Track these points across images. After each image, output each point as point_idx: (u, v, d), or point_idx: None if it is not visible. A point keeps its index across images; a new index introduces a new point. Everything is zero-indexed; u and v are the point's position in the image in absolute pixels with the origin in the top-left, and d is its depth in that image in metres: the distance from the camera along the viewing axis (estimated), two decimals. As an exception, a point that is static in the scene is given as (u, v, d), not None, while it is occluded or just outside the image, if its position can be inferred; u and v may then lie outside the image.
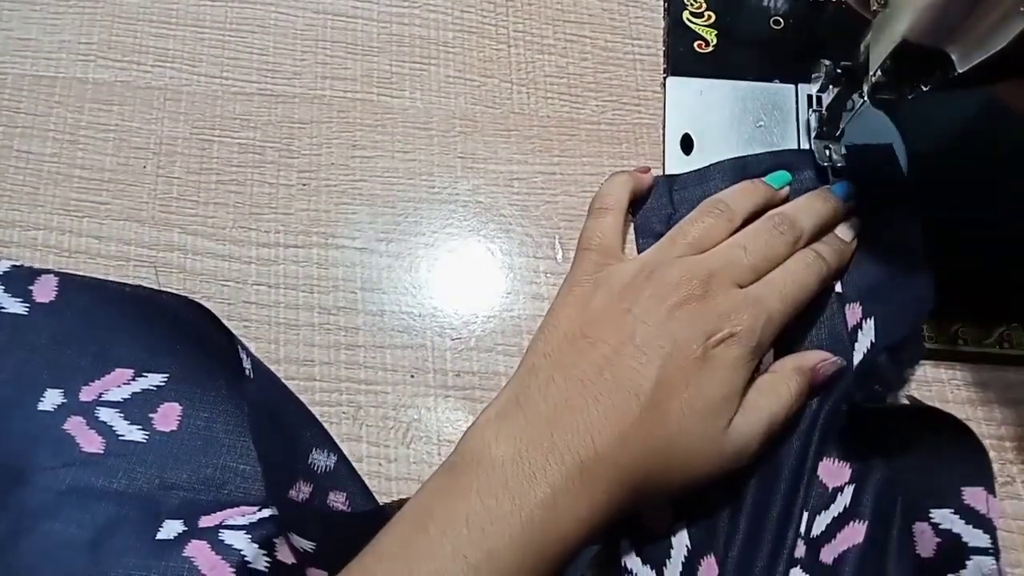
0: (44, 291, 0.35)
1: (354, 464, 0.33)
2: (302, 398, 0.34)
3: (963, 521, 0.31)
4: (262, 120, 0.40)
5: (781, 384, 0.32)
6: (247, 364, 0.31)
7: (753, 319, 0.31)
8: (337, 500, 0.32)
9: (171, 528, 0.30)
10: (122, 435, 0.32)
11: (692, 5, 0.43)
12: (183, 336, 0.34)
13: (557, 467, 0.27)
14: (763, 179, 0.37)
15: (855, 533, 0.31)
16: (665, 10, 0.43)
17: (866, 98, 0.35)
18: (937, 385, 0.37)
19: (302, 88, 0.40)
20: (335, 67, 0.41)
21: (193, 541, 0.29)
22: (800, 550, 0.32)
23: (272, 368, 0.35)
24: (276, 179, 0.39)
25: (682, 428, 0.29)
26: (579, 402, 0.29)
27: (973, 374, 0.37)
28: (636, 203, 0.39)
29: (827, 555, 0.31)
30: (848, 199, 0.37)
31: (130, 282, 0.36)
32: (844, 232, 0.37)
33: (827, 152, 0.39)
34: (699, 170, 0.39)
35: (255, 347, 0.35)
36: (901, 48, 0.31)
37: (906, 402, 0.35)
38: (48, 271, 0.35)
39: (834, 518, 0.32)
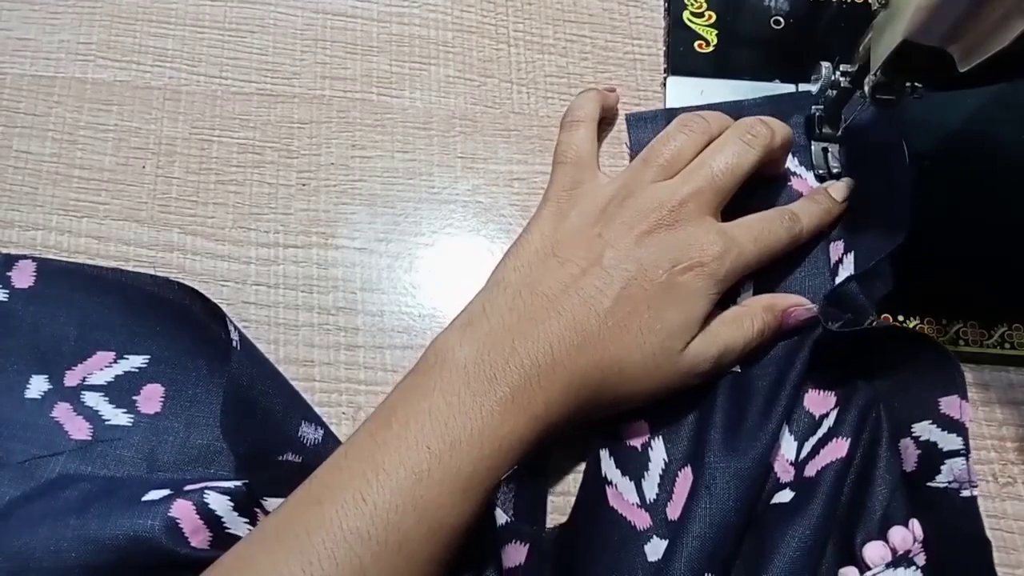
0: (23, 277, 0.35)
1: (354, 464, 0.33)
2: (302, 398, 0.34)
3: (940, 429, 0.32)
4: (261, 120, 0.39)
5: (746, 319, 0.34)
6: (235, 336, 0.32)
7: (722, 251, 0.32)
8: None
9: (157, 494, 0.30)
10: (108, 420, 0.33)
11: (692, 5, 0.43)
12: (163, 317, 0.34)
13: (516, 370, 0.29)
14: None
15: (838, 448, 0.32)
16: (665, 10, 0.43)
17: (866, 98, 0.35)
18: (937, 385, 0.36)
19: (301, 88, 0.40)
20: (335, 67, 0.41)
21: (179, 500, 0.29)
22: (789, 475, 0.33)
23: (272, 368, 0.35)
24: (275, 179, 0.38)
25: (638, 345, 0.31)
26: (542, 314, 0.31)
27: (973, 374, 0.37)
28: (606, 121, 0.40)
29: (811, 470, 0.32)
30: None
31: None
32: (837, 191, 0.37)
33: (825, 154, 0.39)
34: (697, 108, 0.39)
35: (254, 347, 0.35)
36: (901, 48, 0.31)
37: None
38: (25, 257, 0.35)
39: (819, 439, 0.33)
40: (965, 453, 0.32)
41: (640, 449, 0.33)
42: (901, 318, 0.37)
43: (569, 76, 0.42)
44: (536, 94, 0.41)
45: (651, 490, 0.33)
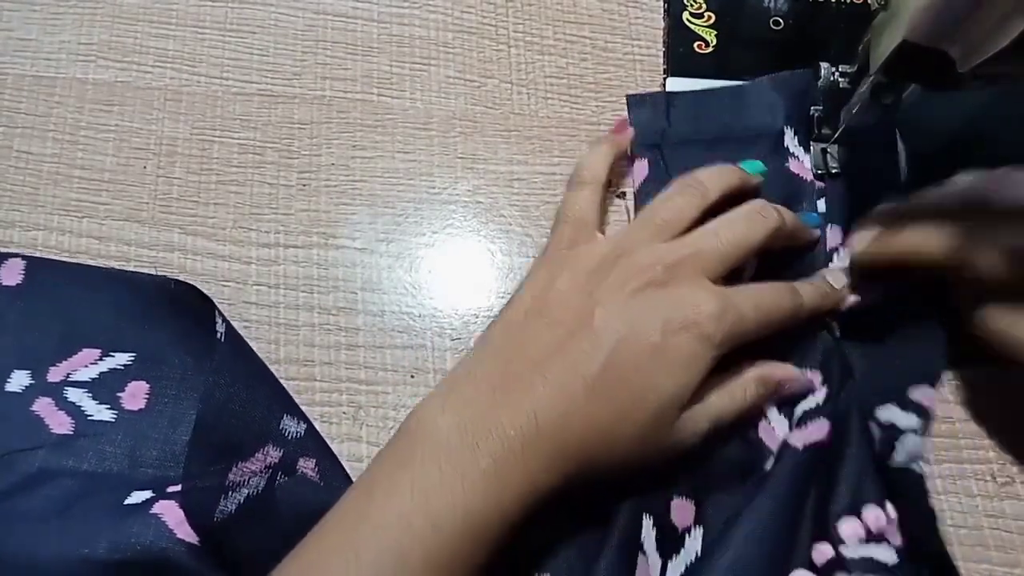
0: (11, 274, 0.35)
1: (354, 464, 0.33)
2: (302, 398, 0.34)
3: (900, 410, 0.33)
4: (262, 121, 0.40)
5: (739, 389, 0.32)
6: (220, 328, 0.32)
7: (719, 311, 0.30)
8: (307, 467, 0.32)
9: (139, 496, 0.30)
10: (91, 415, 0.33)
11: (692, 6, 0.43)
12: (152, 315, 0.34)
13: (499, 441, 0.28)
14: (739, 165, 0.37)
15: (820, 429, 0.33)
16: (665, 10, 0.43)
17: (866, 99, 0.35)
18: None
19: (302, 89, 0.40)
20: (335, 68, 0.41)
21: (161, 501, 0.29)
22: (778, 442, 0.33)
23: (272, 368, 0.35)
24: (276, 179, 0.39)
25: (627, 416, 0.29)
26: (527, 380, 0.29)
27: (973, 374, 0.37)
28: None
29: (797, 440, 0.33)
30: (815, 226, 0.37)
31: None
32: (836, 279, 0.36)
33: (824, 155, 0.39)
34: (696, 92, 0.40)
35: (255, 347, 0.35)
36: (901, 48, 0.31)
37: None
38: (15, 255, 0.35)
39: (806, 411, 0.33)
40: (921, 431, 0.32)
41: (680, 532, 0.32)
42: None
43: (569, 77, 0.42)
44: (536, 95, 0.41)
45: (674, 573, 0.31)
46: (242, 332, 0.35)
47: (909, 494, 0.32)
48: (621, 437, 0.29)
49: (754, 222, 0.33)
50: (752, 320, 0.31)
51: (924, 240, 0.33)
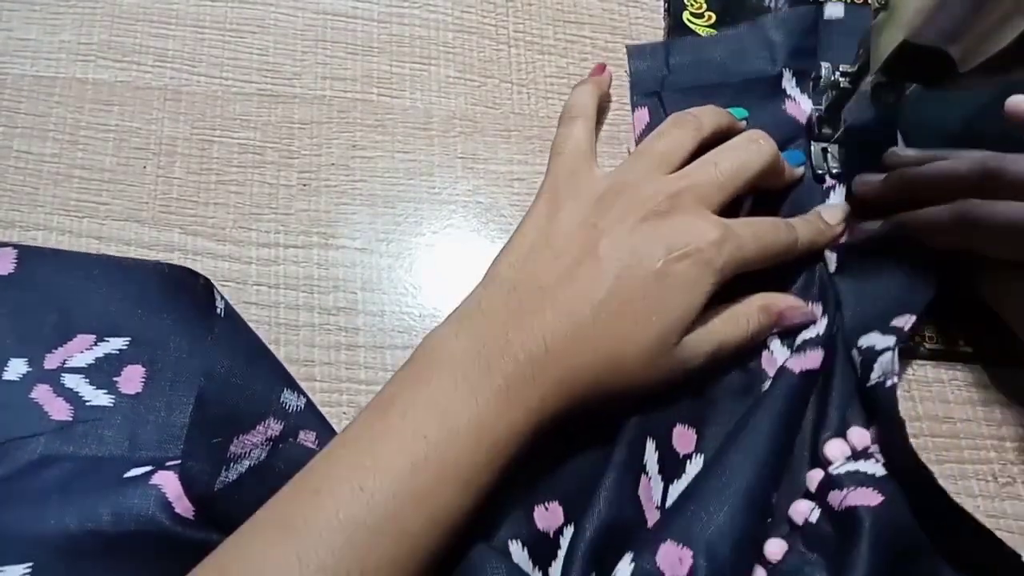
0: (3, 264, 0.35)
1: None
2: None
3: (880, 334, 0.34)
4: (262, 120, 0.40)
5: (742, 317, 0.34)
6: (220, 304, 0.32)
7: (720, 240, 0.31)
8: (307, 439, 0.32)
9: (139, 471, 0.30)
10: (89, 400, 0.33)
11: (692, 5, 0.43)
12: (145, 300, 0.34)
13: (511, 362, 0.29)
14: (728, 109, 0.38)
15: (816, 358, 0.34)
16: (665, 10, 0.43)
17: (866, 99, 0.35)
18: (937, 385, 0.37)
19: (302, 88, 0.40)
20: (335, 67, 0.41)
21: (160, 472, 0.29)
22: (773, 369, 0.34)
23: (272, 368, 0.35)
24: (276, 179, 0.39)
25: (633, 337, 0.30)
26: (536, 307, 0.30)
27: (973, 374, 0.37)
28: (604, 110, 0.41)
29: (794, 365, 0.34)
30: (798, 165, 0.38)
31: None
32: (831, 215, 0.37)
33: (825, 154, 0.39)
34: (695, 39, 0.42)
35: (255, 347, 0.35)
36: (901, 48, 0.31)
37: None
38: (6, 244, 0.35)
39: (806, 340, 0.34)
40: (894, 348, 0.33)
41: (681, 458, 0.33)
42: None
43: (569, 76, 0.42)
44: (536, 94, 0.41)
45: (673, 498, 0.32)
46: (242, 332, 0.35)
47: (881, 407, 0.33)
48: (627, 359, 0.30)
49: (751, 150, 0.34)
50: (751, 249, 0.33)
51: (936, 215, 0.34)
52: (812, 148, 0.39)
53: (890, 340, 0.33)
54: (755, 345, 0.35)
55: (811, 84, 0.40)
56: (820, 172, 0.39)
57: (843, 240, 0.37)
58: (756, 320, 0.34)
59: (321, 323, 0.36)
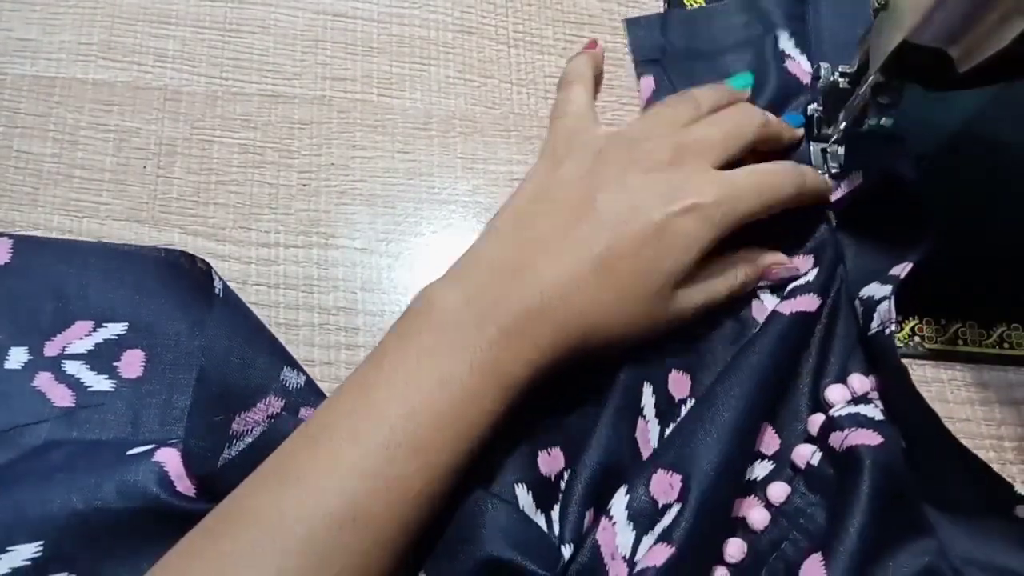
0: None
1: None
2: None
3: (879, 284, 0.35)
4: (262, 120, 0.40)
5: (731, 272, 0.34)
6: (218, 285, 0.33)
7: (719, 195, 0.31)
8: (308, 415, 0.32)
9: (141, 449, 0.30)
10: (90, 386, 0.33)
11: (691, 6, 0.43)
12: (142, 285, 0.35)
13: (506, 313, 0.29)
14: (728, 81, 0.39)
15: (810, 302, 0.35)
16: (665, 3, 0.43)
17: (866, 99, 0.35)
18: (937, 385, 0.37)
19: (302, 89, 0.40)
20: (335, 68, 0.41)
21: (163, 448, 0.30)
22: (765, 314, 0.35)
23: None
24: (276, 179, 0.39)
25: (628, 291, 0.30)
26: (532, 259, 0.30)
27: (973, 374, 0.37)
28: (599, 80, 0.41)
29: (784, 308, 0.35)
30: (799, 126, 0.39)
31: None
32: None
33: (824, 155, 0.39)
34: (689, 10, 0.43)
35: (255, 347, 0.35)
36: (901, 48, 0.31)
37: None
38: (2, 234, 0.35)
39: (797, 286, 0.36)
40: (890, 296, 0.33)
41: (677, 402, 0.34)
42: (900, 318, 0.37)
43: (569, 76, 0.42)
44: (536, 95, 0.41)
45: (663, 438, 0.33)
46: (242, 332, 0.35)
47: (881, 354, 0.34)
48: (622, 313, 0.31)
49: (743, 116, 0.35)
50: (752, 203, 0.32)
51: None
52: (812, 148, 0.39)
53: (887, 290, 0.34)
54: (745, 295, 0.36)
55: (807, 46, 0.41)
56: (820, 172, 0.39)
57: (835, 196, 0.38)
58: (743, 273, 0.35)
59: (321, 323, 0.36)
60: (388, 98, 0.41)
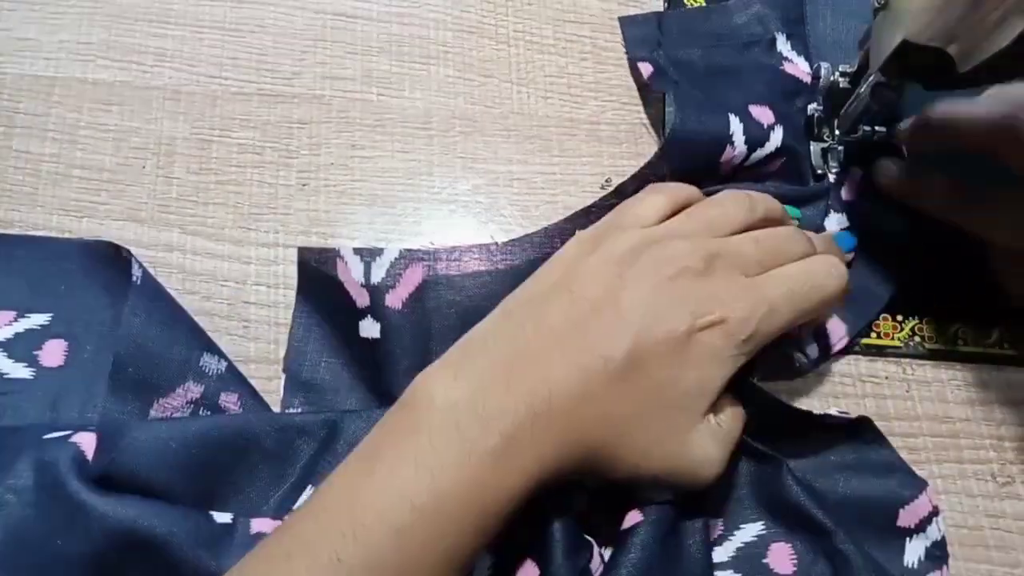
0: None
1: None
2: (302, 398, 0.34)
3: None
4: (261, 120, 0.40)
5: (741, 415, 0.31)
6: (137, 273, 0.33)
7: (750, 310, 0.29)
8: (229, 401, 0.33)
9: (59, 433, 0.30)
10: (7, 373, 0.33)
11: (691, 6, 0.43)
12: (68, 276, 0.35)
13: (511, 415, 0.26)
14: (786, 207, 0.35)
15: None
16: (665, 10, 0.43)
17: (866, 99, 0.35)
18: (937, 385, 0.37)
19: (301, 88, 0.40)
20: (334, 67, 0.41)
21: (80, 432, 0.30)
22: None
23: (271, 368, 0.35)
24: (275, 179, 0.38)
25: (644, 406, 0.28)
26: (544, 354, 0.28)
27: (973, 374, 0.37)
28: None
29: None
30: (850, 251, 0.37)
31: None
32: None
33: (824, 155, 0.39)
34: (685, 10, 0.43)
35: (254, 347, 0.35)
36: (901, 48, 0.31)
37: None
38: None
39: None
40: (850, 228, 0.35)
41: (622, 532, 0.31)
42: (900, 318, 0.37)
43: (569, 76, 0.42)
44: (536, 94, 0.41)
45: None
46: (242, 332, 0.35)
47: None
48: (633, 427, 0.28)
49: (787, 243, 0.32)
50: (784, 315, 0.30)
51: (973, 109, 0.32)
52: (812, 148, 0.39)
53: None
54: None
55: (805, 49, 0.41)
56: (820, 172, 0.39)
57: (846, 196, 0.38)
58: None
59: (321, 323, 0.36)
60: (388, 97, 0.40)
